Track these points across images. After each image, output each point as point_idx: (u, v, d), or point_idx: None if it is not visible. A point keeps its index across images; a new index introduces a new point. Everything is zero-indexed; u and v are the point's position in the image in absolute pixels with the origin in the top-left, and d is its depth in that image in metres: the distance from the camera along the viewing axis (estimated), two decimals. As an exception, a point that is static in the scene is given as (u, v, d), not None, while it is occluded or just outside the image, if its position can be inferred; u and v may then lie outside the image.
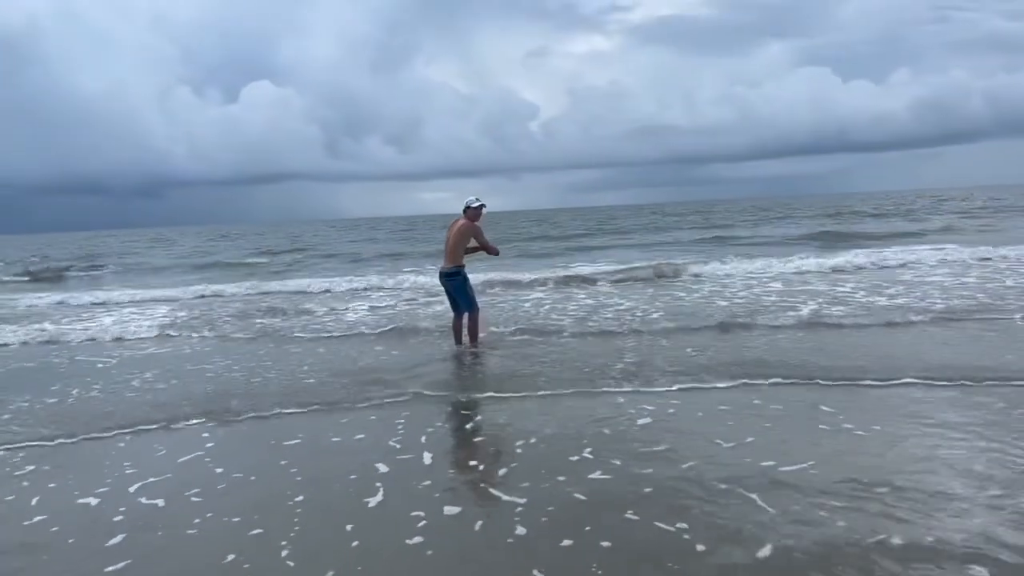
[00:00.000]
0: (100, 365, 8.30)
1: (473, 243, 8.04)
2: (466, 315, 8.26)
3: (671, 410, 5.23)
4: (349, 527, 3.50)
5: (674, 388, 5.86)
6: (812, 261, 14.85)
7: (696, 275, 14.28)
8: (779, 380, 5.88)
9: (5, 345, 10.06)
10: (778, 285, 12.09)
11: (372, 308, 11.87)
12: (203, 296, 15.38)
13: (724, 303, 10.37)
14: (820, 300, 10.01)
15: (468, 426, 5.37)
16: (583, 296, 12.11)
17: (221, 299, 14.78)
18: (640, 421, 4.97)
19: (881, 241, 20.61)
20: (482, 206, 8.11)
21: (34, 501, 4.13)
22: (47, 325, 11.26)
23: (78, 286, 21.11)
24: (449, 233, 8.16)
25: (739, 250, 20.54)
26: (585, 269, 16.37)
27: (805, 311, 9.08)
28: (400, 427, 5.21)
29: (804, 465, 3.91)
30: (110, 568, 3.23)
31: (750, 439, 4.42)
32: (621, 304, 10.73)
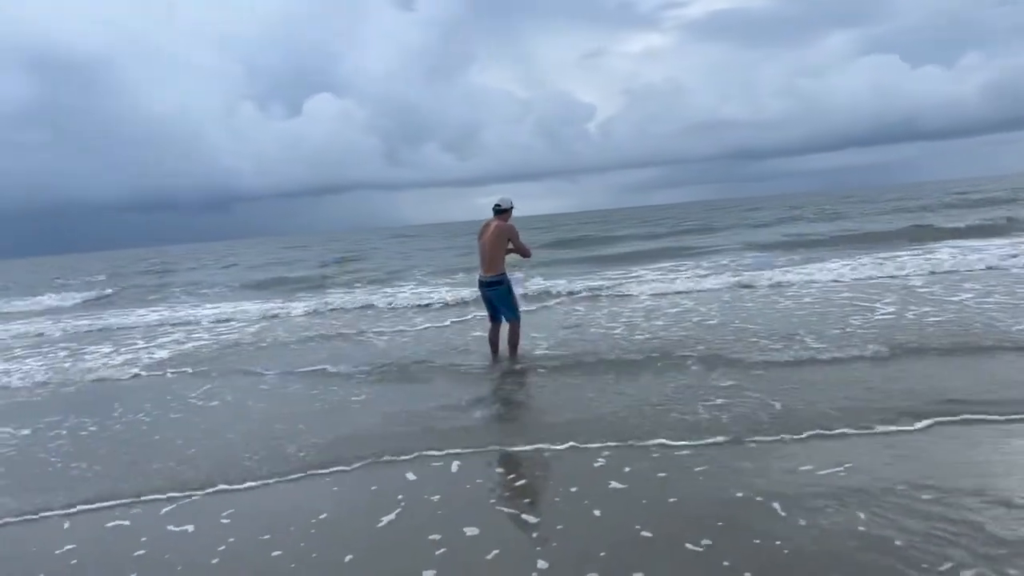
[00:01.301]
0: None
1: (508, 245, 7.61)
2: (506, 325, 7.83)
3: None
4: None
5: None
6: (950, 256, 13.39)
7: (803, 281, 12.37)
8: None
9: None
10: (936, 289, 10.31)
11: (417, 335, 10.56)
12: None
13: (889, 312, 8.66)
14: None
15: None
16: (673, 306, 10.97)
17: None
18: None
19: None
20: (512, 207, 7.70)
21: None
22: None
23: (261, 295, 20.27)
24: (483, 238, 7.66)
25: (828, 248, 19.01)
26: (685, 273, 15.24)
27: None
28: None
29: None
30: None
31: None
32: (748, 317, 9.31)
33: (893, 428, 4.68)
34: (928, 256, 13.99)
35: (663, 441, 4.83)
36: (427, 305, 13.77)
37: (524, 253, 7.71)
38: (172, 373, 9.11)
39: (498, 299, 7.72)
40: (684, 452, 4.61)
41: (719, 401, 5.65)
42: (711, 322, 9.24)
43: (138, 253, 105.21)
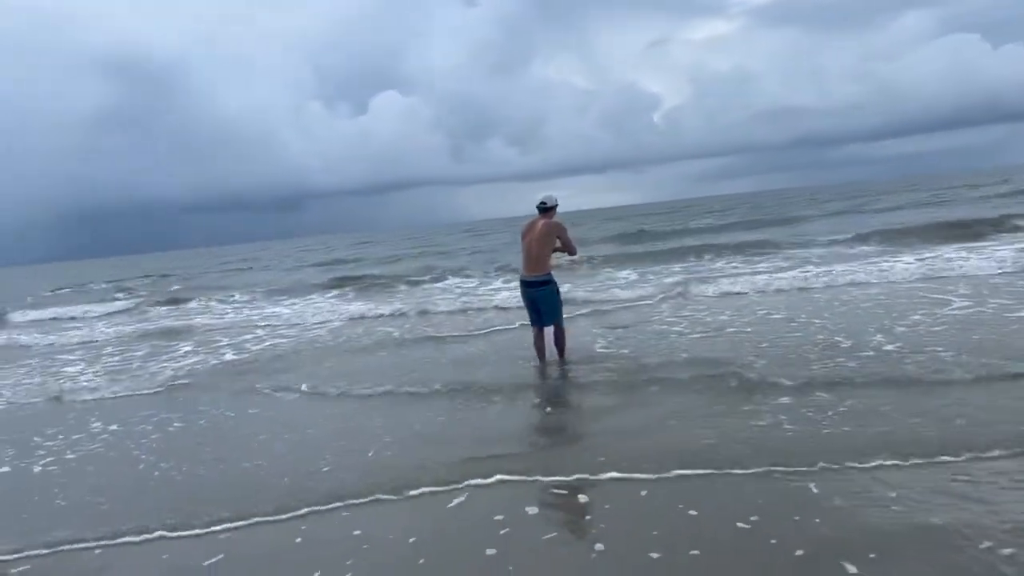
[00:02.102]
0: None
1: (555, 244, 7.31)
2: (549, 328, 7.53)
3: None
4: None
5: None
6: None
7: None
8: None
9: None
10: None
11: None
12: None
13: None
14: None
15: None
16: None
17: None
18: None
19: None
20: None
21: None
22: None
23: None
24: (529, 235, 7.33)
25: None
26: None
27: None
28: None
29: None
30: None
31: None
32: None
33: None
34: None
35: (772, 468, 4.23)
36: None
37: (572, 251, 7.42)
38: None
39: (543, 300, 7.37)
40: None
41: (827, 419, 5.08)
42: (805, 325, 8.55)
43: (218, 251, 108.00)
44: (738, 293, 11.83)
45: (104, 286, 36.83)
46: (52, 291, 35.63)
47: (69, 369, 11.10)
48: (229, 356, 10.79)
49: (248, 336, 12.80)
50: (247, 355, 10.74)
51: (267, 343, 11.77)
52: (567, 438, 5.51)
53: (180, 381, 9.16)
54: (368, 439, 5.73)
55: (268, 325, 14.30)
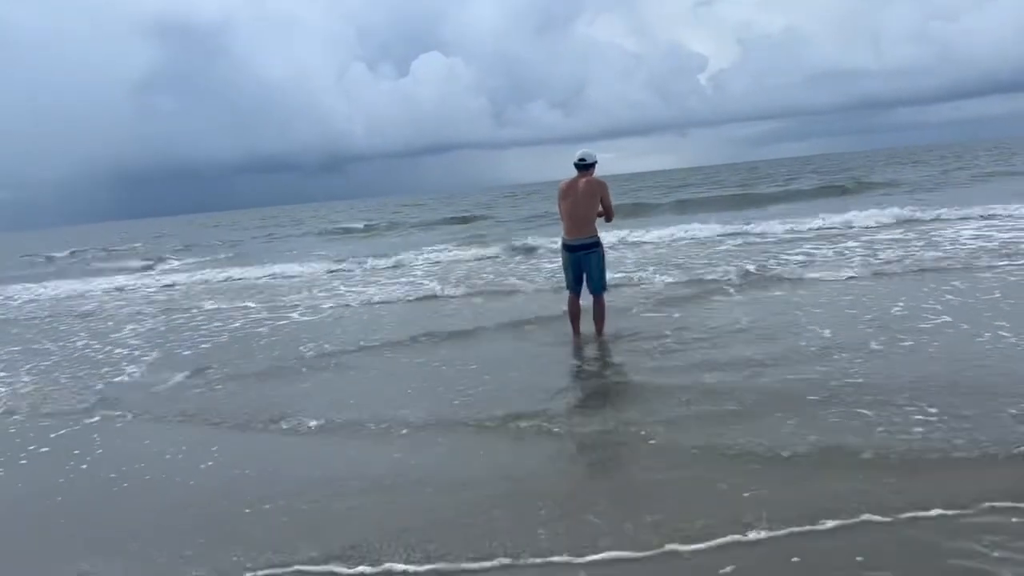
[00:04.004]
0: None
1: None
2: (591, 297, 6.94)
3: None
4: None
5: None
6: None
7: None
8: None
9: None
10: None
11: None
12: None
13: None
14: None
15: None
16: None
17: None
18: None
19: None
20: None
21: None
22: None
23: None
24: (571, 195, 6.77)
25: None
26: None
27: None
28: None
29: None
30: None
31: None
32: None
33: None
34: None
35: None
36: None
37: (611, 214, 6.90)
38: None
39: (592, 265, 6.84)
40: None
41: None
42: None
43: (273, 211, 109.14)
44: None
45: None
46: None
47: None
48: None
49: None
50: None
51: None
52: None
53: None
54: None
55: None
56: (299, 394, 5.93)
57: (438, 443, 4.46)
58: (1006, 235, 11.00)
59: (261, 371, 6.82)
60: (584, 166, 6.81)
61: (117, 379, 7.08)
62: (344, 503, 3.69)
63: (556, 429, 4.48)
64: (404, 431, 4.71)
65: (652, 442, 4.14)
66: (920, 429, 3.91)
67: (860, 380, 4.84)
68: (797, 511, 3.12)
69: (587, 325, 7.03)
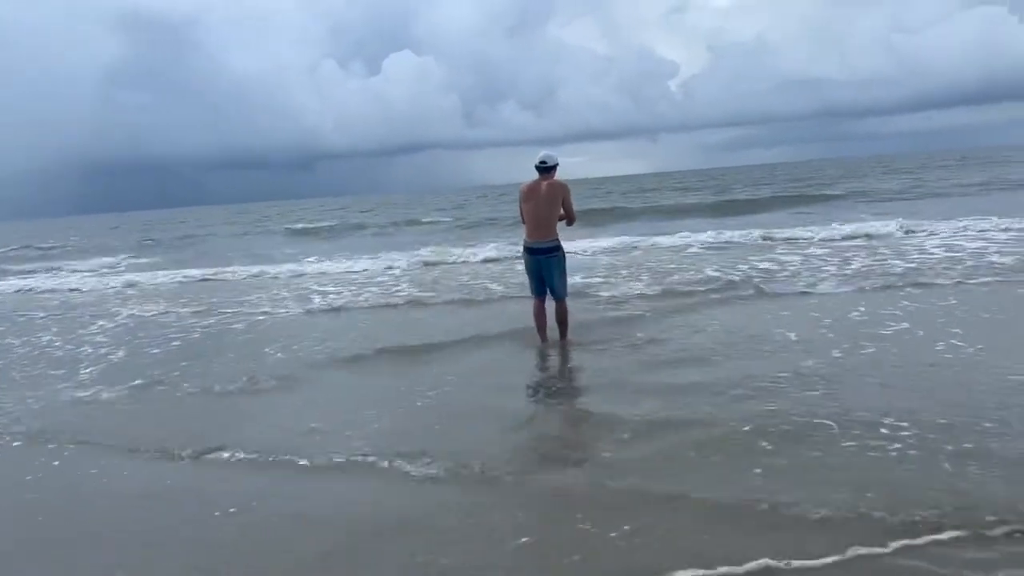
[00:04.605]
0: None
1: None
2: (554, 302, 6.87)
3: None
4: None
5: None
6: None
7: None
8: None
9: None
10: None
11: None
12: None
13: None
14: None
15: None
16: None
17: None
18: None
19: None
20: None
21: None
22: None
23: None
24: (533, 198, 6.67)
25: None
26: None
27: None
28: None
29: None
30: None
31: None
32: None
33: None
34: None
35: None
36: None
37: (572, 217, 6.82)
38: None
39: (553, 269, 6.74)
40: None
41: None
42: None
43: (236, 208, 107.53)
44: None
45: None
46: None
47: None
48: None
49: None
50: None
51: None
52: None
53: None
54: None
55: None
56: (239, 417, 5.42)
57: (361, 486, 3.93)
58: (973, 244, 10.98)
59: (199, 389, 6.20)
60: (545, 168, 6.72)
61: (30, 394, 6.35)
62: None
63: (495, 473, 3.87)
64: (338, 460, 4.24)
65: (581, 487, 3.63)
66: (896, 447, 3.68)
67: (829, 423, 4.21)
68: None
69: (555, 329, 6.99)
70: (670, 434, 4.24)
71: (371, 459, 4.20)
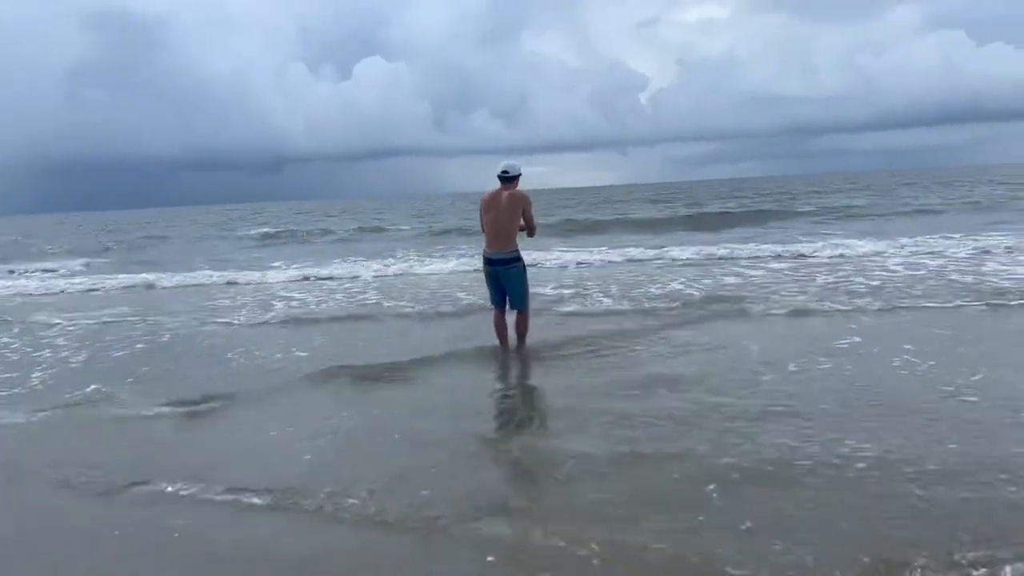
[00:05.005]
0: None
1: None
2: (514, 311, 6.83)
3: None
4: None
5: None
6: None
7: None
8: None
9: None
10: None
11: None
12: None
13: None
14: None
15: None
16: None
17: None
18: None
19: None
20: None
21: None
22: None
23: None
24: (494, 208, 6.60)
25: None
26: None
27: None
28: None
29: None
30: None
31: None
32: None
33: None
34: None
35: None
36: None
37: (533, 228, 6.74)
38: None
39: (512, 280, 6.68)
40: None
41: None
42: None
43: (200, 211, 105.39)
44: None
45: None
46: None
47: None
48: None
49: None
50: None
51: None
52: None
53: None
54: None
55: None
56: (157, 446, 4.91)
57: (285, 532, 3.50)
58: (935, 262, 11.11)
59: (119, 410, 5.61)
60: (508, 178, 6.64)
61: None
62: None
63: (415, 518, 3.47)
64: (256, 501, 3.79)
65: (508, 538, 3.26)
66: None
67: (801, 461, 3.84)
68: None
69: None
70: (621, 473, 3.89)
71: (285, 497, 3.80)
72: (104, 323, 10.05)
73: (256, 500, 3.80)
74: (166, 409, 5.61)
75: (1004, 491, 3.42)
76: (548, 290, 10.46)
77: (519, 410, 5.31)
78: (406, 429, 4.87)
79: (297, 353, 7.46)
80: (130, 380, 6.65)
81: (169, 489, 4.00)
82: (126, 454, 4.67)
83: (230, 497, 3.86)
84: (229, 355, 7.56)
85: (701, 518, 3.32)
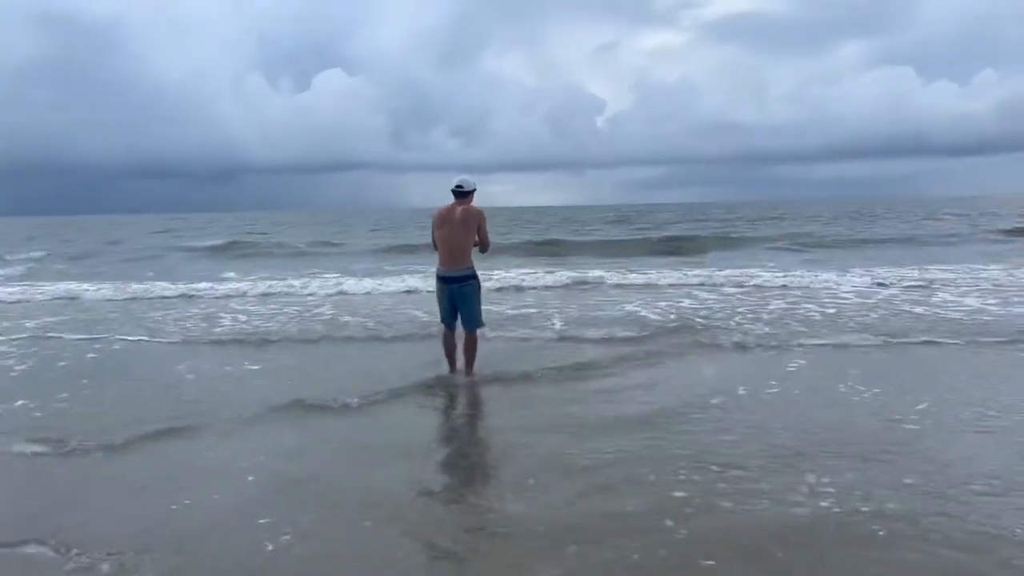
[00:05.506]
0: None
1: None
2: (465, 333, 6.60)
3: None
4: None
5: None
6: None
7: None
8: None
9: None
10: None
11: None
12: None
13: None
14: None
15: None
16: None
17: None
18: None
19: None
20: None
21: None
22: None
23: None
24: (447, 224, 6.39)
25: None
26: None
27: None
28: None
29: None
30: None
31: None
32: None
33: None
34: None
35: None
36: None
37: (486, 245, 6.58)
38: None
39: (466, 299, 6.45)
40: None
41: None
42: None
43: (149, 219, 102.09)
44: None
45: None
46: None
47: None
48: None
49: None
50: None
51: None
52: None
53: None
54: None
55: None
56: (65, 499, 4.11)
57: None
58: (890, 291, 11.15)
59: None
60: (462, 193, 6.46)
61: None
62: None
63: None
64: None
65: None
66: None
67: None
68: None
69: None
70: (561, 545, 3.34)
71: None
72: (12, 340, 9.21)
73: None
74: (30, 448, 4.84)
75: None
76: (506, 309, 10.19)
77: (460, 456, 4.83)
78: (319, 476, 4.31)
79: (223, 384, 6.84)
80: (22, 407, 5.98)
81: (31, 551, 3.34)
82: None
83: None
84: (135, 383, 6.88)
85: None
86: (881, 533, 3.36)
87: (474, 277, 6.49)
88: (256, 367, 7.45)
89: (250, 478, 4.29)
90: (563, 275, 14.58)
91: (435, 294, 6.73)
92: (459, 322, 6.62)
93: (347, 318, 10.34)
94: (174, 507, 3.88)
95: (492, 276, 13.12)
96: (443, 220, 6.46)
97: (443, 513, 3.90)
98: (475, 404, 6.14)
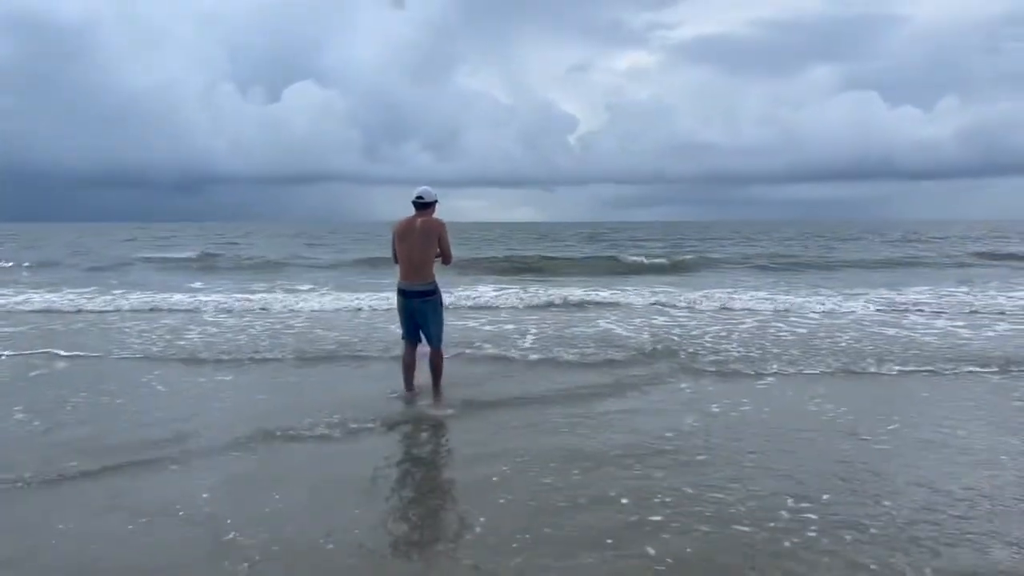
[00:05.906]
0: None
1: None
2: (427, 349, 6.42)
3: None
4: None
5: None
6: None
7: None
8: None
9: None
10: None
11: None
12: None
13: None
14: None
15: None
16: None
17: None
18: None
19: None
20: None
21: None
22: None
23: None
24: (408, 237, 6.22)
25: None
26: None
27: None
28: None
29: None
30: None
31: None
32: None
33: None
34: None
35: None
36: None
37: (449, 257, 6.38)
38: None
39: (428, 314, 6.28)
40: None
41: None
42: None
43: (113, 227, 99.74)
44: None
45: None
46: None
47: None
48: None
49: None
50: None
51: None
52: None
53: None
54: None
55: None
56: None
57: None
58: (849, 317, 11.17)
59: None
60: (423, 204, 6.29)
61: None
62: None
63: None
64: None
65: None
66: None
67: None
68: None
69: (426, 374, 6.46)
70: None
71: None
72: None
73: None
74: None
75: None
76: (481, 326, 10.04)
77: (418, 502, 4.31)
78: (253, 526, 3.82)
79: (171, 409, 6.42)
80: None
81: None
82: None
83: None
84: (82, 407, 6.37)
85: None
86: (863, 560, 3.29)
87: (436, 292, 6.33)
88: (207, 387, 7.12)
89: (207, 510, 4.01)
90: (537, 292, 14.40)
91: (396, 309, 6.52)
92: (423, 339, 6.41)
93: (320, 331, 10.12)
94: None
95: (459, 293, 12.83)
96: (404, 233, 6.29)
97: (403, 567, 3.46)
98: (439, 434, 5.62)
